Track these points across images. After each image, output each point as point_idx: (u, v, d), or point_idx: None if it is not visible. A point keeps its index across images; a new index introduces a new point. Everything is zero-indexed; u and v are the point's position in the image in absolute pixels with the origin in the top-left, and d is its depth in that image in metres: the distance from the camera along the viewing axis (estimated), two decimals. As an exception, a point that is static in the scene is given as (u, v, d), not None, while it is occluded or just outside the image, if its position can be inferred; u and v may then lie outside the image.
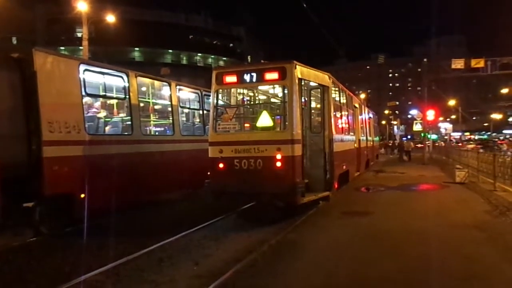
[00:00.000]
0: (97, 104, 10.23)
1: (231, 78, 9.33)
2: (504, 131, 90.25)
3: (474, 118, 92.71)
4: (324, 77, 10.38)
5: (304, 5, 16.80)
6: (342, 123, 12.98)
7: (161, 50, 57.41)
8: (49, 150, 7.75)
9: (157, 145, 11.09)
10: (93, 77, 9.36)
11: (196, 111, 13.91)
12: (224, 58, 63.08)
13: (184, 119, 13.45)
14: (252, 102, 11.37)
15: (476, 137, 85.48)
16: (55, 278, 5.68)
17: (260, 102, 11.59)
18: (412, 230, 7.71)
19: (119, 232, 7.70)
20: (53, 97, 8.02)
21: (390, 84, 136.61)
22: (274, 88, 11.00)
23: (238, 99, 10.65)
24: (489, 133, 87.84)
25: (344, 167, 12.57)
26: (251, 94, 11.27)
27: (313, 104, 11.35)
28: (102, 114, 10.25)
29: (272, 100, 11.63)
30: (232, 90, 10.17)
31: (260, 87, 10.75)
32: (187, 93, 13.27)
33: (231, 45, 66.32)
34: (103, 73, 9.63)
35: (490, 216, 8.77)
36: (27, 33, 35.86)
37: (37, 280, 5.77)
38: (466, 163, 16.72)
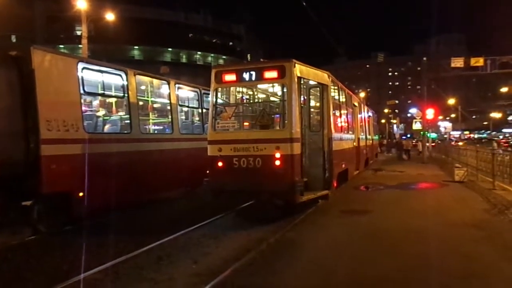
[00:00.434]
0: (96, 102, 10.23)
1: (230, 77, 9.32)
2: (504, 130, 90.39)
3: (473, 117, 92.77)
4: (323, 76, 10.38)
5: (304, 4, 16.78)
6: (341, 122, 12.98)
7: (160, 49, 57.30)
8: (47, 149, 7.73)
9: (156, 144, 11.07)
10: (91, 75, 9.33)
11: (195, 110, 13.90)
12: (224, 57, 63.02)
13: (183, 117, 13.43)
14: (251, 101, 11.38)
15: (476, 136, 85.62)
16: (54, 277, 5.68)
17: (259, 100, 11.59)
18: (411, 228, 7.71)
19: (118, 231, 7.71)
20: (51, 95, 7.99)
21: (390, 83, 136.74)
22: (273, 86, 11.00)
23: (238, 97, 10.64)
24: (488, 131, 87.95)
25: (343, 165, 12.57)
26: (251, 92, 11.28)
27: (312, 103, 11.35)
28: (101, 112, 10.24)
29: (271, 98, 11.64)
30: (232, 88, 10.17)
31: (259, 86, 10.75)
32: (186, 92, 13.26)
33: (230, 43, 66.25)
34: (101, 71, 9.60)
35: (489, 215, 8.77)
36: (27, 31, 35.72)
37: (36, 278, 5.78)
38: (465, 162, 16.73)
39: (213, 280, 5.21)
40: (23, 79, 7.68)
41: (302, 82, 9.51)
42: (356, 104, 17.60)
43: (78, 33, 29.13)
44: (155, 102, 12.28)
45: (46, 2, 45.66)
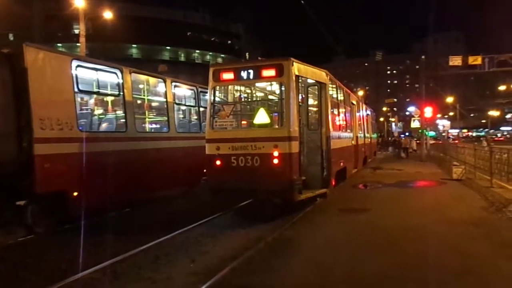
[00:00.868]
0: (91, 100, 10.13)
1: (228, 75, 9.31)
2: (502, 128, 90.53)
3: (472, 115, 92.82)
4: (321, 74, 10.37)
5: (302, 2, 16.76)
6: (339, 120, 12.97)
7: (159, 47, 57.17)
8: (41, 148, 7.65)
9: (152, 142, 10.99)
10: (86, 73, 9.25)
11: (192, 108, 13.80)
12: (222, 55, 62.90)
13: (180, 116, 13.36)
14: (249, 99, 11.36)
15: (474, 134, 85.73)
16: (51, 276, 5.67)
17: (257, 99, 11.58)
18: (409, 226, 7.72)
19: (116, 230, 7.70)
20: (44, 94, 7.91)
21: (388, 81, 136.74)
22: (271, 85, 10.99)
23: (236, 96, 10.63)
24: (486, 129, 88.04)
25: (342, 164, 12.57)
26: (249, 91, 11.26)
27: (310, 101, 11.35)
28: (96, 111, 10.16)
29: (270, 97, 11.62)
30: (229, 87, 10.16)
31: (257, 84, 10.74)
32: (182, 90, 13.18)
33: (229, 42, 66.14)
34: (96, 69, 9.51)
35: (486, 213, 8.79)
36: (25, 29, 35.63)
37: (34, 277, 5.76)
38: (463, 160, 16.76)
39: (211, 279, 5.21)
40: (15, 77, 7.59)
41: (300, 80, 9.49)
42: (355, 102, 17.60)
43: (76, 31, 29.05)
44: (151, 101, 12.20)
45: (44, 0, 45.52)
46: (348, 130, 14.76)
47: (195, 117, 13.75)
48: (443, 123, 55.17)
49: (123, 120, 10.12)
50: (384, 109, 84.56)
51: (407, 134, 48.92)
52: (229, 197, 9.59)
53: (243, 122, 10.25)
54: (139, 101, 11.26)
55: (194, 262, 6.31)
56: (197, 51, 61.83)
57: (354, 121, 16.74)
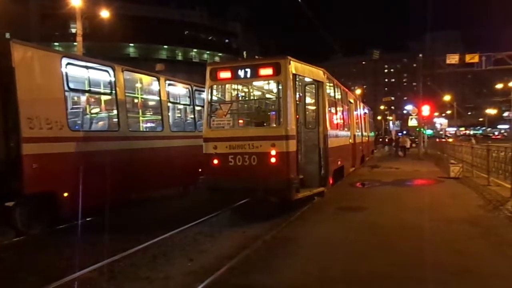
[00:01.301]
0: (81, 99, 9.92)
1: (225, 74, 9.29)
2: (499, 126, 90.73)
3: (469, 113, 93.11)
4: (318, 73, 10.37)
5: (299, 0, 16.75)
6: (337, 119, 12.98)
7: (156, 46, 57.16)
8: (29, 147, 7.47)
9: (146, 142, 10.83)
10: (76, 71, 9.05)
11: (186, 107, 13.61)
12: (220, 54, 62.89)
13: (174, 115, 13.20)
14: (246, 98, 11.35)
15: (471, 132, 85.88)
16: (48, 275, 5.64)
17: (255, 98, 11.57)
18: (406, 225, 7.73)
19: (113, 230, 7.61)
20: (33, 92, 7.73)
21: (386, 80, 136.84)
22: (268, 83, 11.00)
23: (233, 95, 10.62)
24: (483, 128, 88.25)
25: (339, 162, 12.59)
26: (246, 90, 11.25)
27: (307, 100, 11.34)
28: (87, 110, 9.96)
29: (267, 95, 11.63)
30: (227, 85, 10.15)
31: (254, 83, 10.73)
32: (177, 88, 12.98)
33: (226, 40, 66.14)
34: (87, 67, 9.29)
35: (483, 211, 8.81)
36: (22, 29, 35.51)
37: (30, 278, 5.74)
38: (460, 158, 16.78)
39: (209, 278, 5.20)
40: (2, 76, 7.42)
41: (297, 79, 9.49)
42: (352, 101, 17.62)
43: (73, 30, 29.03)
44: (145, 99, 12.02)
45: (41, -1, 45.39)
46: (346, 129, 14.77)
47: (190, 116, 13.55)
48: (440, 122, 55.27)
49: (116, 119, 9.93)
50: (382, 107, 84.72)
51: (404, 132, 48.99)
52: (226, 196, 9.57)
53: (240, 121, 10.24)
54: (132, 100, 11.09)
55: (192, 261, 6.30)
56: (195, 50, 61.84)
57: (351, 120, 16.75)
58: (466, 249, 6.12)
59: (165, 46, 58.69)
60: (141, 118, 11.72)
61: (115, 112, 9.97)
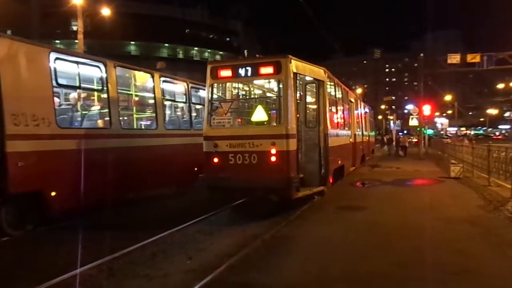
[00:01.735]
0: (71, 95, 9.67)
1: (226, 72, 9.27)
2: (500, 126, 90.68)
3: (470, 113, 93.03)
4: (319, 72, 10.35)
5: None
6: (337, 118, 12.96)
7: (157, 44, 57.09)
8: (14, 145, 7.19)
9: (139, 140, 10.60)
10: (66, 66, 8.78)
11: (182, 104, 13.41)
12: (221, 52, 62.84)
13: (169, 112, 13.00)
14: (247, 97, 11.33)
15: (472, 132, 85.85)
16: (48, 273, 5.63)
17: (255, 96, 11.55)
18: (406, 224, 7.72)
19: (112, 228, 7.66)
20: (19, 88, 7.43)
21: (387, 79, 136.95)
22: (269, 82, 10.97)
23: (233, 93, 10.60)
24: (484, 128, 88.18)
25: (340, 162, 12.57)
26: (246, 88, 11.23)
27: (308, 99, 11.32)
28: (77, 106, 9.72)
29: (267, 94, 11.60)
30: (227, 84, 10.13)
31: (255, 82, 10.71)
32: (172, 85, 12.78)
33: (227, 39, 66.07)
34: (77, 63, 8.97)
35: (484, 211, 8.79)
36: (23, 26, 35.50)
37: (29, 275, 5.73)
38: (461, 158, 16.76)
39: (208, 276, 5.19)
40: None
41: (298, 78, 9.47)
42: (353, 100, 17.59)
43: (74, 28, 29.00)
44: (138, 96, 11.73)
45: (42, -3, 45.36)
46: (346, 128, 14.75)
47: (186, 114, 13.32)
48: (441, 121, 55.19)
49: (107, 117, 9.68)
50: (383, 107, 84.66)
51: (405, 132, 48.93)
52: (226, 195, 9.56)
53: (240, 119, 10.22)
54: (124, 97, 10.89)
55: (191, 259, 6.29)
56: (196, 48, 61.76)
57: (352, 119, 16.72)
58: (466, 249, 6.11)
59: (166, 44, 58.65)
60: (134, 116, 11.53)
61: (106, 109, 9.69)
